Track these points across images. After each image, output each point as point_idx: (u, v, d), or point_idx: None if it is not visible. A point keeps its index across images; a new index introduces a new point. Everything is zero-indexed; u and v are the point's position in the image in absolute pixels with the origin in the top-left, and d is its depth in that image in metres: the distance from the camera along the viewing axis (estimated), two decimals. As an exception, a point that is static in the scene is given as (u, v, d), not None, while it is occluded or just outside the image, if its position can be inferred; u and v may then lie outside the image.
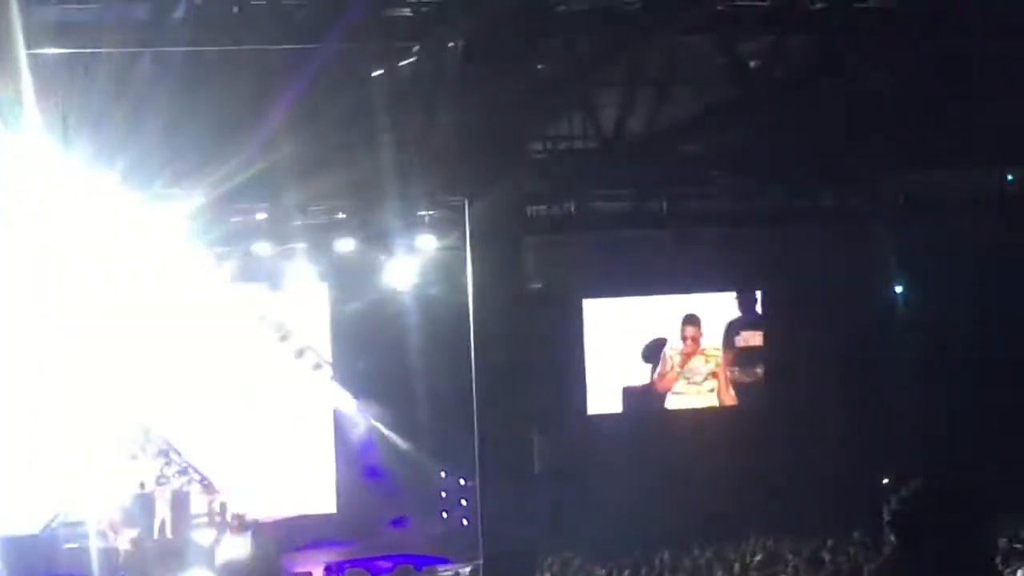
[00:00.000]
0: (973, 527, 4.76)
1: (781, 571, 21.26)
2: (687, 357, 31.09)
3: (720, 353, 31.21)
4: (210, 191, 22.61)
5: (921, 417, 29.03)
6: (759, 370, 31.38)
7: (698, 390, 31.17)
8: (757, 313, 31.36)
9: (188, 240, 23.44)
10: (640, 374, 30.83)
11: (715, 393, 31.20)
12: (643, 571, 22.45)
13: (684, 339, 30.94)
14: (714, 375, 31.35)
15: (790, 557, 23.15)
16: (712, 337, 31.16)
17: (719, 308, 31.17)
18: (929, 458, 25.60)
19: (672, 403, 31.00)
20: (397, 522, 30.00)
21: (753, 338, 31.42)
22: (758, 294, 31.18)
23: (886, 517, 4.95)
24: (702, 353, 31.11)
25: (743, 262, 29.08)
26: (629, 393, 30.98)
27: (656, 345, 31.07)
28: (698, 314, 30.90)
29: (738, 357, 31.35)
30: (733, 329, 31.29)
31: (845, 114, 22.19)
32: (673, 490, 28.13)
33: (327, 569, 26.58)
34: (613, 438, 29.68)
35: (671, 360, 31.02)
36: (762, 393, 31.11)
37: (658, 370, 31.01)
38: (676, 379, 31.09)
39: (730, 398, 31.24)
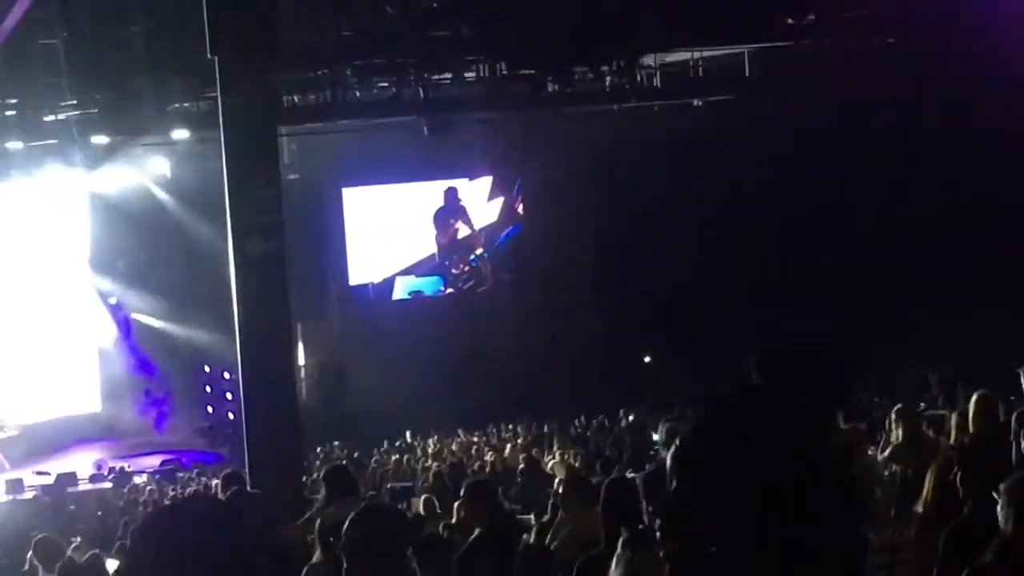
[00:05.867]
0: (828, 383, 5.11)
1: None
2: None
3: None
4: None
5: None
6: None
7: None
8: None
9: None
10: (394, 264, 31.16)
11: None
12: (407, 457, 22.65)
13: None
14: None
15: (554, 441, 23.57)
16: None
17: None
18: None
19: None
20: (158, 405, 29.93)
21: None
22: (516, 179, 31.43)
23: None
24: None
25: (499, 148, 29.26)
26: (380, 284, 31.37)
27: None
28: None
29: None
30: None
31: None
32: (440, 377, 28.22)
33: (97, 466, 26.34)
34: (374, 328, 29.79)
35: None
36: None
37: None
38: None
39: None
